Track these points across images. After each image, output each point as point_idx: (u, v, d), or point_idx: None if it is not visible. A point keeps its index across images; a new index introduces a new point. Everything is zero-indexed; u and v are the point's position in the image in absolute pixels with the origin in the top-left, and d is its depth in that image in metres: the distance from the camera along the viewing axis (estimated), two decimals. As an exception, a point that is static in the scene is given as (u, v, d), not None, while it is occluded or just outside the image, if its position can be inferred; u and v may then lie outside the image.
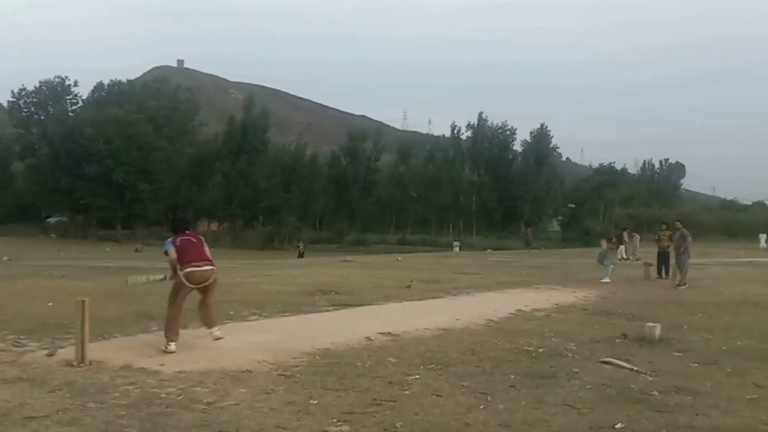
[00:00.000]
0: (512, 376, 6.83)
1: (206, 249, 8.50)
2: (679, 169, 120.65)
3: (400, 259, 33.12)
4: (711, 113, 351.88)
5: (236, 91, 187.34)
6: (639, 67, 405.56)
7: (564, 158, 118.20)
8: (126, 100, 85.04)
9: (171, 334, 8.02)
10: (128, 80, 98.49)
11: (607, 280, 18.61)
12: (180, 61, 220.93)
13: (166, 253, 8.38)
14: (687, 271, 18.20)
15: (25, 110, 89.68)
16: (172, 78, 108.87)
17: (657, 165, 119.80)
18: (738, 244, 55.85)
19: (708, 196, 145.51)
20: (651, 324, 9.26)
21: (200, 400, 5.70)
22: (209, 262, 8.37)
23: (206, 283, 8.31)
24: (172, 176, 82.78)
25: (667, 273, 19.91)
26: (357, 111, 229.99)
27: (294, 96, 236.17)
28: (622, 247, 30.30)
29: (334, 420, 5.23)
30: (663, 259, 20.56)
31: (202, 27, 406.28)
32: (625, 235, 32.08)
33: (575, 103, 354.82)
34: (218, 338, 8.22)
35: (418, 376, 6.74)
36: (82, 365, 6.92)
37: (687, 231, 19.19)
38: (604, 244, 20.80)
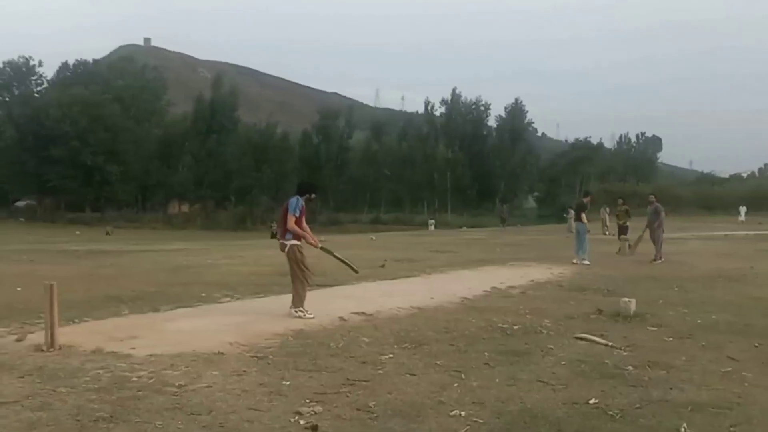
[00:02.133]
0: (486, 353, 6.82)
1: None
2: (655, 143, 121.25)
3: (374, 238, 33.11)
4: (687, 90, 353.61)
5: (205, 70, 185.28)
6: (615, 45, 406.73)
7: (539, 134, 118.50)
8: (92, 81, 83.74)
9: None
10: (94, 60, 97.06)
11: (587, 261, 17.41)
12: (147, 40, 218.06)
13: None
14: (662, 245, 18.33)
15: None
16: (139, 57, 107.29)
17: (633, 139, 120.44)
18: (715, 217, 56.61)
19: (685, 170, 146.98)
20: (626, 299, 9.32)
21: (172, 383, 5.64)
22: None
23: None
24: (141, 157, 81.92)
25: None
26: (329, 89, 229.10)
27: (264, 74, 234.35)
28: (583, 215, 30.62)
29: (307, 401, 5.20)
30: (623, 233, 20.69)
31: (169, 4, 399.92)
32: (602, 211, 32.36)
33: (550, 80, 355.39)
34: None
35: (391, 356, 6.72)
36: (51, 350, 6.81)
37: (661, 205, 19.27)
38: (572, 213, 20.78)
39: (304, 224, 9.12)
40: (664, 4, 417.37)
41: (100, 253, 23.01)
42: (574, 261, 17.54)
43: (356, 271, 10.17)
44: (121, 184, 79.43)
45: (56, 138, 73.64)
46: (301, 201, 9.04)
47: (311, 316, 8.69)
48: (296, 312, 8.78)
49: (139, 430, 4.55)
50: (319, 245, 9.34)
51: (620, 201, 21.67)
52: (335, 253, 9.77)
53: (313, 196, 9.31)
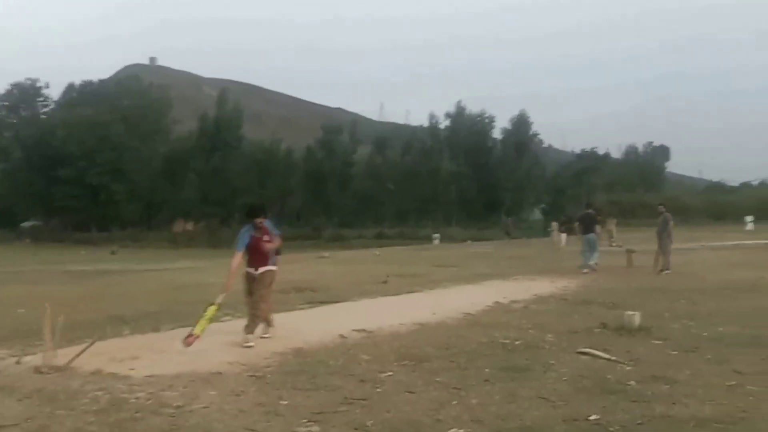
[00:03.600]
0: (487, 369, 6.78)
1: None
2: (663, 152, 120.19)
3: (378, 253, 33.05)
4: (695, 98, 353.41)
5: (210, 87, 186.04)
6: (613, 40, 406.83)
7: (545, 145, 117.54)
8: (98, 101, 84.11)
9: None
10: (100, 80, 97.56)
11: (586, 270, 18.39)
12: (152, 59, 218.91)
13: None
14: (669, 256, 18.19)
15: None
16: (144, 76, 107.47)
17: (640, 148, 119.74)
18: (725, 227, 56.22)
19: (694, 179, 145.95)
20: (630, 312, 9.23)
21: (169, 404, 5.64)
22: None
23: None
24: (147, 176, 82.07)
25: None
26: (333, 104, 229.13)
27: (269, 90, 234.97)
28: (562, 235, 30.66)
29: (304, 420, 5.18)
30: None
31: (174, 23, 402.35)
32: (610, 222, 32.30)
33: (558, 94, 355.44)
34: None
35: (391, 373, 6.67)
36: (51, 372, 6.80)
37: (669, 215, 19.12)
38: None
39: (266, 251, 8.48)
40: (673, 18, 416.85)
41: (105, 273, 23.08)
42: (585, 271, 18.15)
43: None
44: (127, 203, 79.64)
45: (63, 158, 73.92)
46: (251, 230, 8.46)
47: (252, 345, 8.11)
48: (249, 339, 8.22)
49: (135, 452, 4.51)
50: (220, 299, 8.16)
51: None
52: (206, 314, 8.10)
53: (259, 220, 8.47)
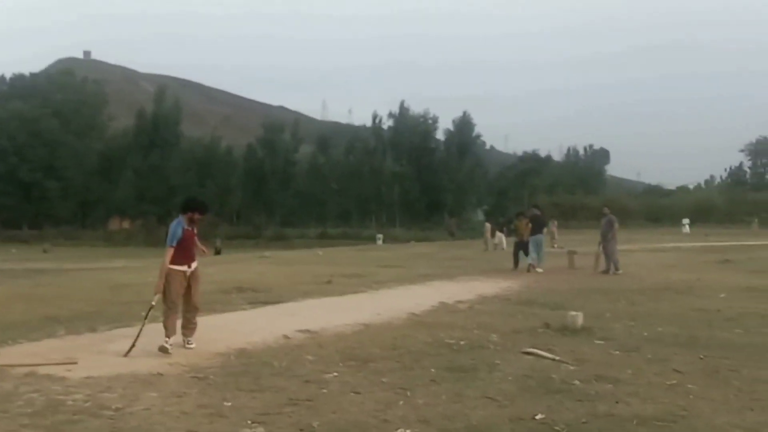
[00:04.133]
0: (433, 370, 6.76)
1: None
2: (603, 155, 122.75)
3: (320, 253, 32.93)
4: (635, 100, 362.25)
5: (147, 83, 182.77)
6: (560, 46, 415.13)
7: (488, 146, 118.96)
8: (30, 95, 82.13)
9: None
10: (32, 73, 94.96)
11: (540, 269, 18.96)
12: (87, 53, 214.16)
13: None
14: (617, 258, 18.55)
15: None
16: (78, 70, 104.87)
17: (581, 151, 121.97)
18: (663, 229, 57.73)
19: (633, 181, 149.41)
20: (573, 312, 9.35)
21: (108, 406, 5.48)
22: None
23: None
24: (81, 173, 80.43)
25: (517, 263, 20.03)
26: (275, 102, 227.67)
27: (210, 87, 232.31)
28: (500, 235, 31.04)
29: (249, 422, 5.10)
30: (520, 247, 20.42)
31: (109, 16, 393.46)
32: (551, 224, 32.78)
33: (499, 95, 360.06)
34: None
35: (336, 374, 6.61)
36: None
37: (614, 217, 19.50)
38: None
39: (196, 248, 8.16)
40: (618, 26, 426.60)
41: (37, 272, 22.40)
42: (535, 269, 18.87)
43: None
44: (60, 200, 77.90)
45: (-7, 154, 71.77)
46: (183, 223, 7.96)
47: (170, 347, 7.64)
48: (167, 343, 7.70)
49: (72, 456, 4.37)
50: (154, 300, 7.93)
51: (520, 216, 21.55)
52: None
53: (197, 215, 8.01)
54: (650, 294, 13.51)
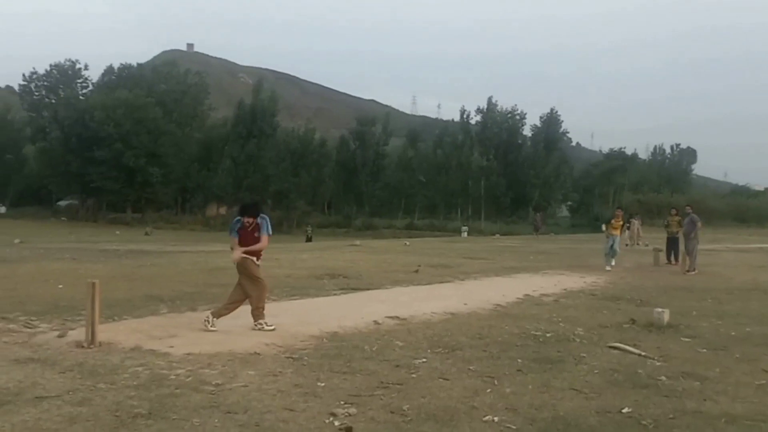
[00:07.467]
0: (519, 360, 6.83)
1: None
2: (690, 154, 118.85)
3: (408, 243, 33.13)
4: (723, 101, 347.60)
5: (246, 75, 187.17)
6: (648, 55, 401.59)
7: (574, 143, 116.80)
8: (136, 84, 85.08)
9: None
10: (138, 64, 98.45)
11: (608, 267, 18.54)
12: (190, 45, 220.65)
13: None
14: (696, 256, 18.11)
15: (36, 94, 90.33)
16: (181, 62, 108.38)
17: (668, 150, 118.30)
18: (749, 229, 55.43)
19: (719, 181, 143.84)
20: (659, 309, 9.24)
21: (209, 381, 5.74)
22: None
23: None
24: (182, 160, 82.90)
25: (676, 259, 19.82)
26: (366, 96, 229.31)
27: (304, 80, 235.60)
28: (626, 233, 30.17)
29: (342, 402, 5.24)
30: (672, 244, 20.50)
31: (212, 11, 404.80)
32: (633, 221, 31.95)
33: (586, 92, 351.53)
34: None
35: (425, 360, 6.75)
36: (92, 347, 6.97)
37: (697, 216, 19.09)
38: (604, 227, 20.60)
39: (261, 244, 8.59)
40: (698, 8, 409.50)
41: (140, 253, 23.36)
42: (608, 268, 18.31)
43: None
44: (162, 185, 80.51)
45: (100, 140, 74.84)
46: (240, 222, 8.55)
47: (271, 327, 8.20)
48: (257, 325, 8.26)
49: (177, 427, 4.63)
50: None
51: (673, 211, 21.41)
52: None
53: (246, 219, 8.49)
54: (738, 294, 13.16)
